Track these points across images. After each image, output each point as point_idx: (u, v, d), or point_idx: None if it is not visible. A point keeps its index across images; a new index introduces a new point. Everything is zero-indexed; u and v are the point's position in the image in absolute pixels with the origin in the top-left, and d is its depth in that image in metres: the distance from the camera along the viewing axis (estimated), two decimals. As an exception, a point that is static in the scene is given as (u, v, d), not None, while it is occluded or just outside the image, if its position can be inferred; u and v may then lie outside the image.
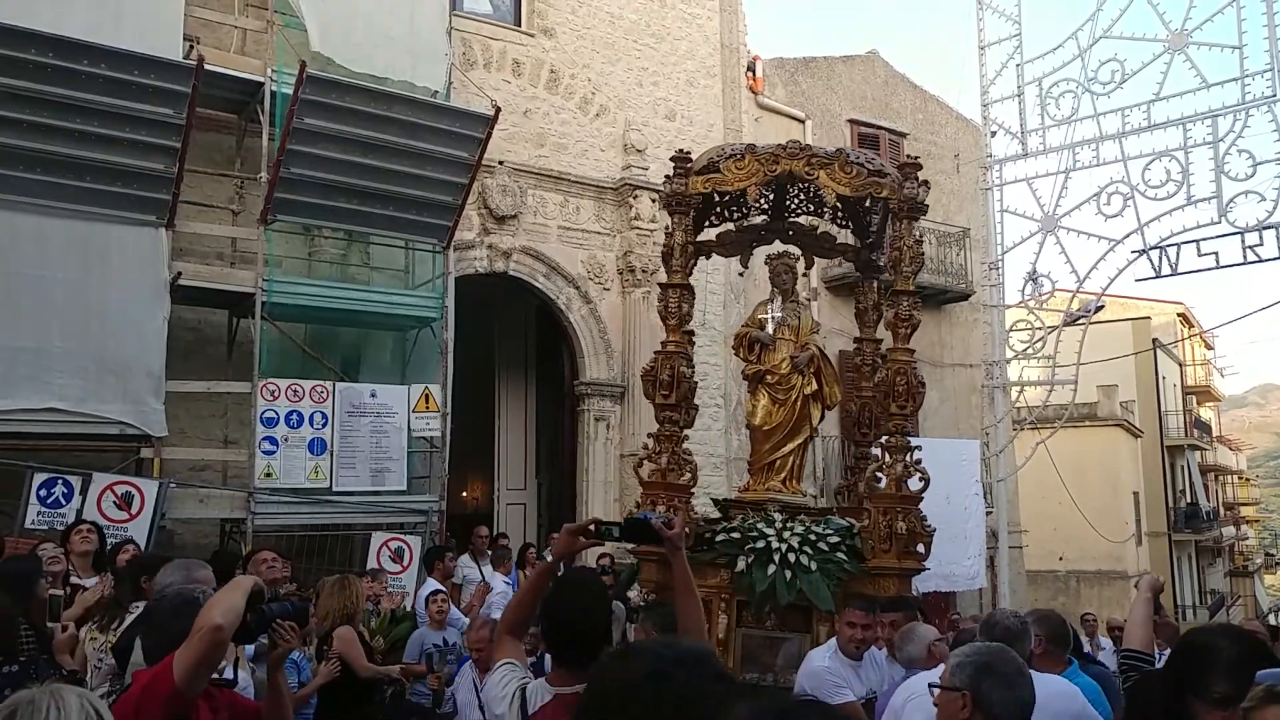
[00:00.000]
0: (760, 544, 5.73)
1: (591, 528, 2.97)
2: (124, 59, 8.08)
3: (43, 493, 7.67)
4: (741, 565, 5.73)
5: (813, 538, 5.75)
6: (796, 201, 7.14)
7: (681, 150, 6.42)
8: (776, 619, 5.78)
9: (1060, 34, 12.08)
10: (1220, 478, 40.10)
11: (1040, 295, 12.17)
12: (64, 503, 7.72)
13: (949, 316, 16.73)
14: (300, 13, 9.30)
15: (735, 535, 5.88)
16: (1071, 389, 12.24)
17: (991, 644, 2.92)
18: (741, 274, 9.16)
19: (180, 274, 8.74)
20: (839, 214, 6.97)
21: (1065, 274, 11.91)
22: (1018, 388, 13.06)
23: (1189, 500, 32.20)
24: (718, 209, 6.99)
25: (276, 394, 9.10)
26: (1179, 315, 34.43)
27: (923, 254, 6.04)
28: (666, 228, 6.53)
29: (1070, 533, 23.26)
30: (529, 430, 13.62)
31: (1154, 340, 28.92)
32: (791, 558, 5.64)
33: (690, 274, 6.38)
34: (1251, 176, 10.47)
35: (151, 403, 8.44)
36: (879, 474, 5.87)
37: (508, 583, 9.13)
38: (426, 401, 9.71)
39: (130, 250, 8.50)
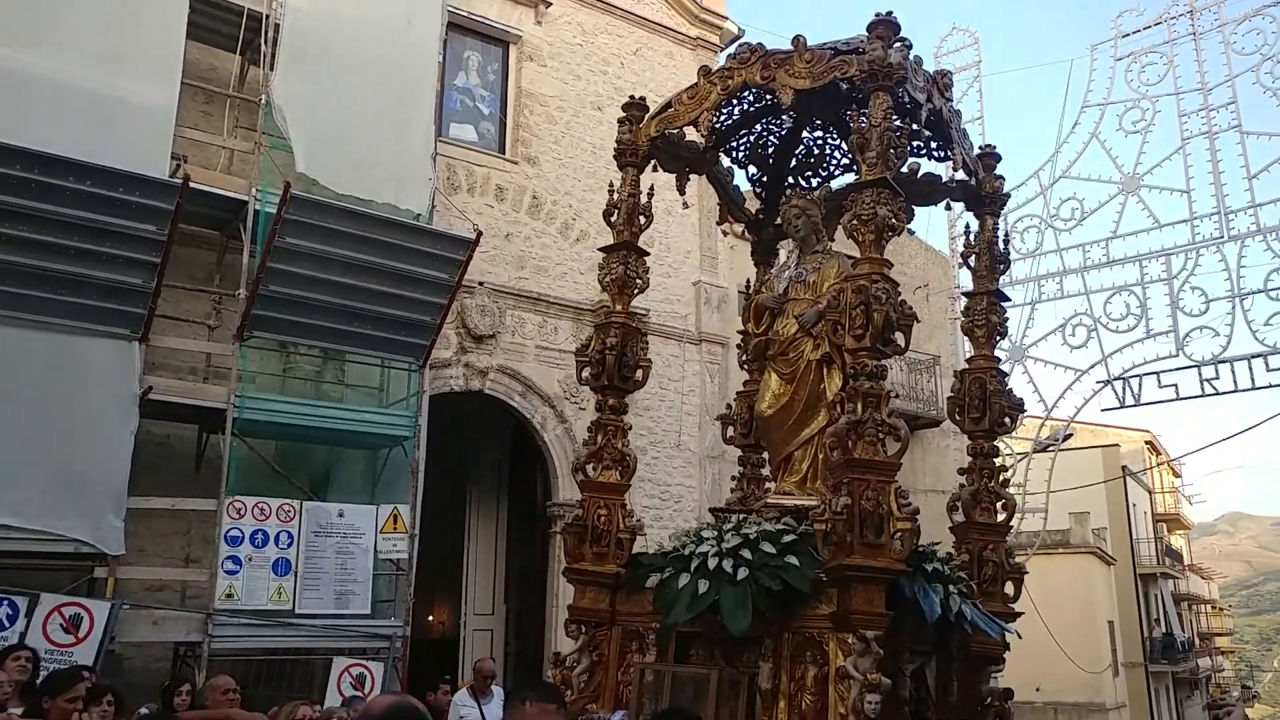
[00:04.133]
0: (688, 551, 4.56)
1: None
2: (110, 176, 8.20)
3: (-14, 614, 7.40)
4: (654, 581, 4.58)
5: (754, 538, 4.42)
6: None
7: (634, 96, 5.54)
8: (720, 652, 4.44)
9: (1023, 172, 12.63)
10: (1194, 607, 39.89)
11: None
12: (7, 625, 7.42)
13: (921, 442, 16.84)
14: (288, 134, 9.54)
15: (673, 547, 4.77)
16: (1042, 516, 12.28)
17: None
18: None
19: (151, 388, 8.68)
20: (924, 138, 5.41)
21: (1034, 402, 12.10)
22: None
23: (1164, 630, 31.92)
24: (790, 177, 5.97)
25: (243, 512, 8.94)
26: (1147, 443, 34.83)
27: (904, 144, 4.53)
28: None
29: (1046, 662, 22.85)
30: (499, 552, 13.39)
31: (1124, 468, 29.16)
32: (714, 563, 4.35)
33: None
34: (1205, 312, 10.82)
35: (111, 520, 8.23)
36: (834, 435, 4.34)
37: None
38: (395, 522, 9.56)
39: (101, 363, 8.45)
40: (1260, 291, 10.57)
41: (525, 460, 12.95)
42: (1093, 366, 11.53)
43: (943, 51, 13.46)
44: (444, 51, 11.20)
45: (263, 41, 9.70)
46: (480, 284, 11.64)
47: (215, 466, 9.12)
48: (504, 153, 12.75)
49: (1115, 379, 11.38)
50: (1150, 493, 34.93)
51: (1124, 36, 12.00)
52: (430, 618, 14.90)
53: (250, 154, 9.85)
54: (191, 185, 8.61)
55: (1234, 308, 10.64)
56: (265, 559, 8.96)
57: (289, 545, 9.08)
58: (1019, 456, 12.32)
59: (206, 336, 9.80)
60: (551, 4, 13.33)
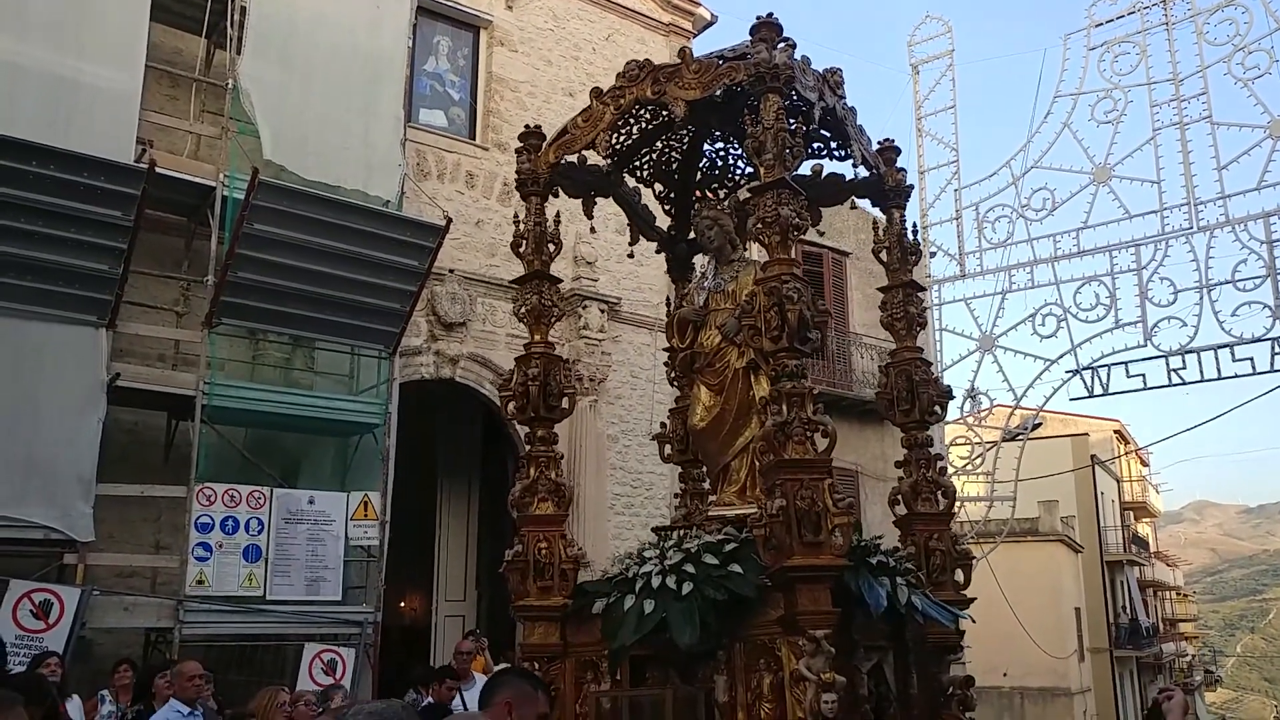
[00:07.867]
0: (631, 573, 4.48)
1: None
2: (75, 161, 8.11)
3: (-46, 601, 7.34)
4: (600, 607, 4.48)
5: (695, 551, 4.39)
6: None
7: (529, 125, 5.51)
8: (675, 671, 4.40)
9: (995, 162, 12.81)
10: (1159, 593, 40.51)
11: (979, 412, 12.42)
12: (-23, 611, 7.39)
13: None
14: (255, 120, 9.44)
15: (617, 571, 4.66)
16: (1010, 505, 12.41)
17: None
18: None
19: (119, 375, 8.59)
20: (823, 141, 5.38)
21: (1003, 392, 12.21)
22: (958, 503, 13.20)
23: (1130, 616, 32.40)
24: (698, 190, 5.93)
25: (213, 499, 8.90)
26: (1115, 432, 35.25)
27: (799, 143, 4.46)
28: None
29: (1013, 648, 23.19)
30: (470, 539, 13.38)
31: (1092, 456, 29.50)
32: (657, 581, 4.31)
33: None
34: (1173, 303, 10.92)
35: (80, 507, 8.18)
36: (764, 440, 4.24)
37: None
38: (365, 509, 9.54)
39: (68, 350, 8.37)
40: (1228, 282, 10.69)
41: (497, 448, 12.92)
42: (1062, 356, 11.65)
43: (915, 40, 13.50)
44: (413, 36, 11.12)
45: (229, 25, 9.59)
46: (451, 271, 11.58)
47: (184, 454, 9.06)
48: (474, 139, 12.67)
49: (1084, 369, 11.50)
50: (1118, 481, 35.39)
51: (1097, 26, 12.08)
52: (401, 604, 14.87)
53: (217, 139, 9.74)
54: (158, 170, 8.52)
55: (1201, 298, 10.76)
56: (236, 545, 8.93)
57: (259, 532, 9.05)
58: (988, 445, 12.45)
59: (175, 323, 9.71)
60: (524, -11, 13.25)
